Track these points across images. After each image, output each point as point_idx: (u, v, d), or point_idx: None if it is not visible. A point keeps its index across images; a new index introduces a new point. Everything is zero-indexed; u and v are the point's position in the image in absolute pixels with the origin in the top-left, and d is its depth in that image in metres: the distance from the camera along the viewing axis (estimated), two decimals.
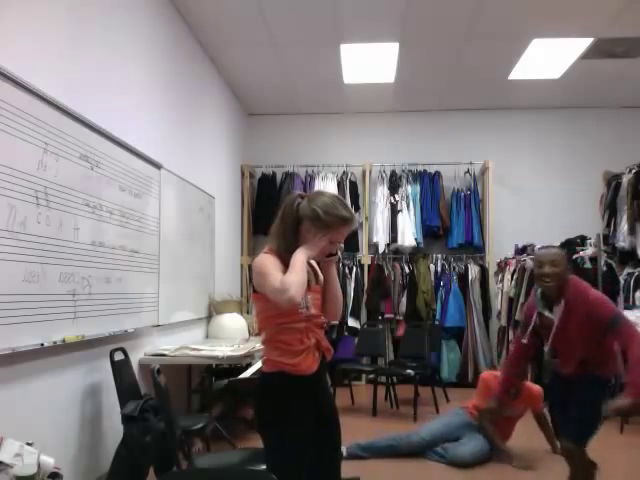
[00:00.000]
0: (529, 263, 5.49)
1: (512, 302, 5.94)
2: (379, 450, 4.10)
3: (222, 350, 4.09)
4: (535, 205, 7.16)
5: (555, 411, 3.08)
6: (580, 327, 2.74)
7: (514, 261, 6.10)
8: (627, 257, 6.11)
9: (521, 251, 6.24)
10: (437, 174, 7.10)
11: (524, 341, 2.99)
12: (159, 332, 4.34)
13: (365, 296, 6.96)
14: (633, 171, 6.08)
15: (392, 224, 6.93)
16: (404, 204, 6.95)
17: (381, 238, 6.95)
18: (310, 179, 7.16)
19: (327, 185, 7.03)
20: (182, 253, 4.77)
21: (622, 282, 5.69)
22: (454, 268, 6.96)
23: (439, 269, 6.97)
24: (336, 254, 2.12)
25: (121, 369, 3.42)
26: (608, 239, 6.22)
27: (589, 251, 5.40)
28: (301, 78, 6.32)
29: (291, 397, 2.02)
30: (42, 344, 2.68)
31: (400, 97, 6.91)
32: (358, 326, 6.75)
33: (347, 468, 2.53)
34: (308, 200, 2.05)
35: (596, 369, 2.82)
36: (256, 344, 4.28)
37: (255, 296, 2.07)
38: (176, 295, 4.59)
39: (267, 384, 2.07)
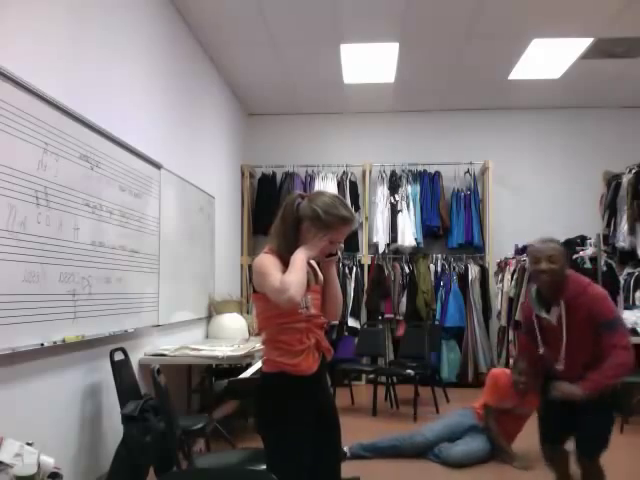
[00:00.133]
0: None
1: (512, 302, 5.93)
2: (382, 450, 4.10)
3: (222, 350, 4.09)
4: (535, 205, 7.16)
5: (549, 419, 2.86)
6: (583, 328, 2.57)
7: (514, 261, 6.10)
8: (627, 257, 6.12)
9: (521, 251, 6.24)
10: (437, 174, 7.10)
11: (524, 339, 2.89)
12: (159, 332, 4.34)
13: (365, 296, 6.96)
14: (633, 171, 6.09)
15: (392, 224, 6.93)
16: (404, 204, 6.95)
17: (381, 238, 6.95)
18: (310, 179, 7.16)
19: (327, 185, 7.03)
20: (182, 253, 4.77)
21: (622, 282, 5.69)
22: (454, 268, 6.96)
23: (439, 269, 6.97)
24: (336, 254, 2.12)
25: (121, 369, 3.42)
26: (608, 239, 6.22)
27: (589, 251, 5.39)
28: (301, 78, 6.32)
29: (291, 397, 2.02)
30: (42, 344, 2.68)
31: (400, 97, 6.92)
32: (358, 326, 6.75)
33: (347, 468, 2.53)
34: (308, 200, 2.05)
35: None
36: (256, 344, 4.28)
37: (255, 296, 2.07)
38: (176, 295, 4.59)
39: (267, 384, 2.07)
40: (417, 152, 7.19)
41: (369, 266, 7.05)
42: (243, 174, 7.08)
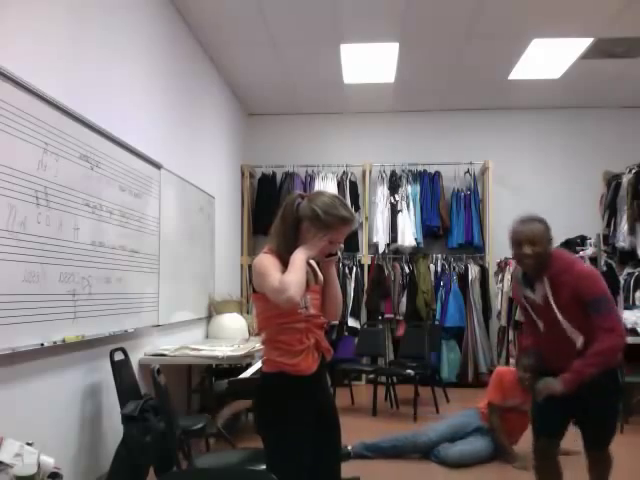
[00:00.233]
0: None
1: (512, 302, 5.93)
2: (384, 450, 4.09)
3: (222, 350, 4.09)
4: (535, 205, 7.07)
5: (545, 407, 2.58)
6: (572, 308, 2.40)
7: (514, 261, 6.10)
8: (627, 257, 6.11)
9: None
10: (437, 174, 7.10)
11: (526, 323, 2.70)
12: (159, 332, 4.34)
13: (365, 296, 6.96)
14: (633, 171, 6.08)
15: (392, 224, 6.93)
16: (404, 204, 6.95)
17: (381, 238, 6.95)
18: (310, 179, 7.16)
19: (327, 185, 7.03)
20: (182, 253, 4.76)
21: (622, 282, 5.69)
22: (454, 268, 6.96)
23: (439, 269, 6.97)
24: (336, 254, 2.12)
25: (121, 369, 3.42)
26: (608, 239, 6.22)
27: (589, 251, 5.40)
28: (301, 78, 6.32)
29: (291, 397, 2.02)
30: (42, 344, 2.68)
31: (400, 97, 6.91)
32: (358, 326, 6.75)
33: (347, 468, 2.53)
34: (308, 200, 2.05)
35: None
36: (256, 344, 4.28)
37: (255, 296, 2.07)
38: (176, 295, 4.59)
39: (267, 384, 2.07)
40: (417, 152, 7.19)
41: (369, 266, 7.05)
42: (243, 174, 7.08)
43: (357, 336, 6.48)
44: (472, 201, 7.00)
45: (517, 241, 2.46)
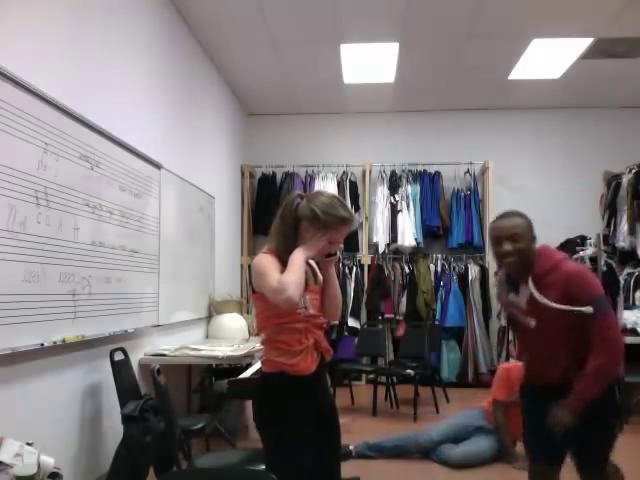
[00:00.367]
0: None
1: None
2: (387, 450, 4.09)
3: (222, 350, 4.09)
4: (535, 205, 7.09)
5: (533, 433, 2.33)
6: (558, 311, 2.11)
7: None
8: (627, 257, 6.12)
9: None
10: (437, 174, 7.10)
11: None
12: (159, 332, 4.34)
13: (365, 296, 6.96)
14: (633, 171, 6.09)
15: (392, 224, 6.93)
16: (404, 204, 6.95)
17: (381, 238, 6.95)
18: (310, 179, 7.16)
19: (327, 185, 7.03)
20: (182, 253, 4.77)
21: (622, 282, 5.69)
22: (454, 268, 6.96)
23: (439, 269, 6.97)
24: (335, 254, 2.12)
25: (121, 369, 3.42)
26: (608, 239, 6.23)
27: (589, 251, 5.40)
28: (301, 78, 6.32)
29: (290, 397, 2.02)
30: (42, 344, 2.68)
31: (400, 97, 6.91)
32: (358, 326, 6.75)
33: (347, 468, 2.53)
34: (307, 200, 2.06)
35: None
36: (256, 344, 4.28)
37: (255, 296, 2.07)
38: (176, 295, 4.59)
39: (267, 384, 2.07)
40: (417, 152, 7.19)
41: (369, 266, 7.05)
42: (243, 174, 7.08)
43: (357, 336, 6.48)
44: (472, 201, 7.00)
45: (497, 238, 2.20)
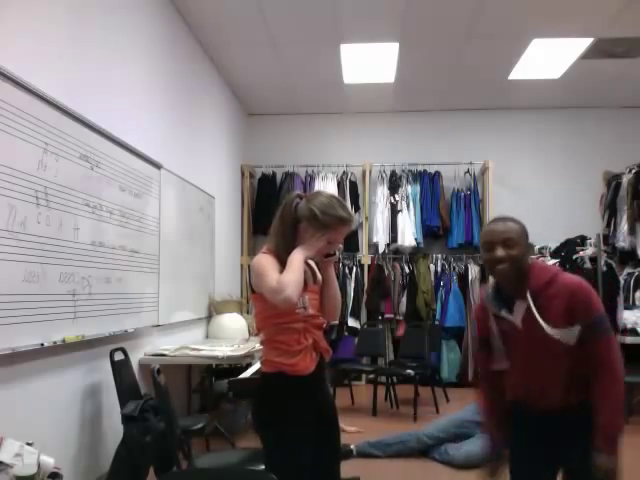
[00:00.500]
0: None
1: None
2: (388, 447, 4.08)
3: (222, 350, 4.09)
4: (535, 205, 7.15)
5: (521, 461, 2.07)
6: (560, 326, 1.89)
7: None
8: (627, 257, 6.12)
9: None
10: (437, 174, 7.10)
11: (484, 361, 2.13)
12: (159, 332, 4.34)
13: (365, 296, 6.96)
14: (633, 171, 6.09)
15: (392, 224, 6.93)
16: (404, 204, 6.95)
17: (381, 238, 6.95)
18: (310, 179, 7.16)
19: (327, 185, 7.03)
20: (182, 253, 4.77)
21: (622, 282, 5.69)
22: (454, 268, 6.96)
23: (439, 269, 6.97)
24: (334, 254, 2.12)
25: (121, 369, 3.42)
26: (608, 239, 6.23)
27: (589, 251, 5.40)
28: (301, 78, 6.32)
29: (290, 397, 2.02)
30: (42, 344, 2.68)
31: (400, 97, 6.91)
32: (358, 326, 6.75)
33: (348, 468, 2.53)
34: (306, 200, 2.06)
35: (585, 393, 1.91)
36: (256, 344, 4.28)
37: (254, 296, 2.07)
38: (176, 295, 4.59)
39: (266, 384, 2.07)
40: (417, 152, 7.19)
41: (369, 266, 7.05)
42: (243, 174, 7.08)
43: (357, 336, 6.48)
44: (472, 201, 7.00)
45: (489, 243, 1.98)
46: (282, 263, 1.97)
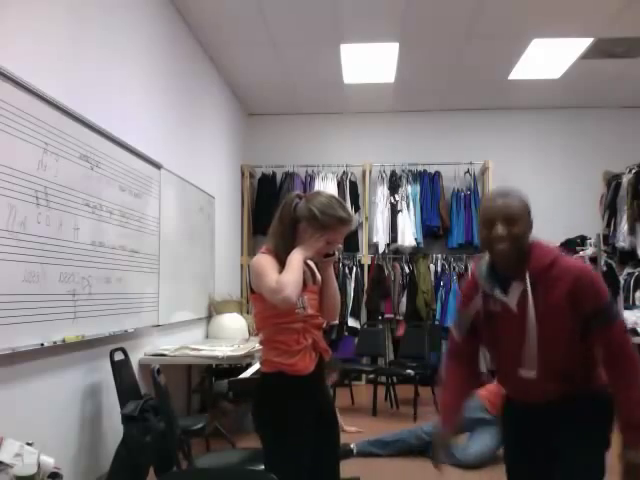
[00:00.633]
0: None
1: None
2: (387, 445, 4.07)
3: (222, 350, 4.09)
4: (535, 205, 6.99)
5: (517, 467, 1.95)
6: (559, 315, 1.74)
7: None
8: (627, 257, 6.12)
9: None
10: (437, 174, 7.09)
11: (458, 339, 2.00)
12: (159, 332, 4.34)
13: (365, 296, 6.96)
14: (633, 171, 6.10)
15: (392, 224, 6.93)
16: (404, 204, 6.95)
17: (381, 238, 6.95)
18: (310, 179, 7.16)
19: (327, 185, 7.03)
20: (182, 253, 4.77)
21: (622, 282, 5.70)
22: (454, 268, 6.96)
23: (439, 269, 6.97)
24: (334, 255, 2.12)
25: (121, 369, 3.42)
26: (608, 239, 6.23)
27: (589, 251, 5.40)
28: (301, 78, 6.32)
29: (290, 397, 2.02)
30: (42, 344, 2.68)
31: (400, 97, 6.91)
32: (358, 326, 6.75)
33: (348, 468, 2.53)
34: (306, 200, 2.06)
35: (589, 383, 1.80)
36: (256, 344, 4.28)
37: (253, 296, 2.07)
38: (176, 295, 4.59)
39: (266, 384, 2.07)
40: (417, 152, 7.19)
41: (369, 266, 7.05)
42: (243, 174, 7.08)
43: (357, 336, 6.48)
44: (472, 201, 6.99)
45: (488, 220, 1.79)
46: (281, 263, 1.97)
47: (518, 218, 1.78)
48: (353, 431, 4.62)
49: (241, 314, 5.66)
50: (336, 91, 6.67)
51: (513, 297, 1.81)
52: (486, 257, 1.91)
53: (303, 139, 7.39)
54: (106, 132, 3.35)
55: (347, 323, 6.78)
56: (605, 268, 5.33)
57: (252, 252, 6.92)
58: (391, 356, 6.78)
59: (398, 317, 6.88)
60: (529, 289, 1.77)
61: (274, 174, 7.32)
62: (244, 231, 7.03)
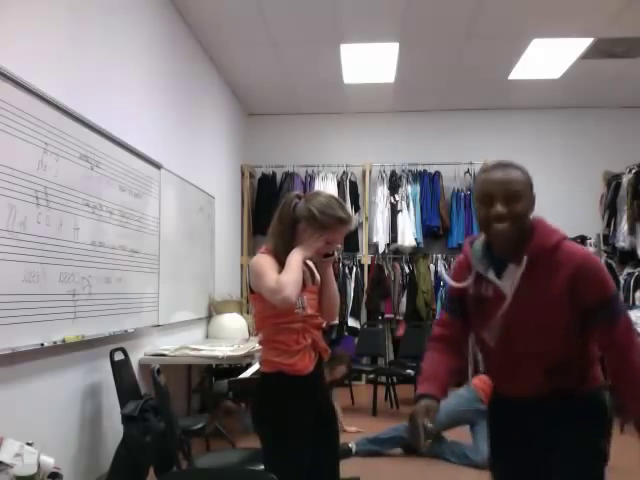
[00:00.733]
0: None
1: None
2: (386, 440, 4.06)
3: (222, 350, 4.09)
4: (535, 205, 7.14)
5: (501, 465, 1.80)
6: (557, 304, 1.56)
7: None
8: (627, 257, 6.12)
9: None
10: (437, 174, 7.09)
11: (446, 321, 1.81)
12: (159, 332, 4.34)
13: (365, 296, 6.96)
14: (633, 171, 6.09)
15: (392, 224, 6.93)
16: (404, 204, 6.95)
17: (381, 238, 6.95)
18: (310, 179, 7.16)
19: (327, 185, 7.03)
20: (182, 253, 4.76)
21: (622, 282, 5.69)
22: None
23: (439, 269, 6.97)
24: (333, 255, 2.12)
25: (121, 369, 3.42)
26: (608, 239, 6.23)
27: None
28: (301, 78, 6.32)
29: (290, 397, 2.02)
30: (42, 344, 2.68)
31: (400, 97, 6.91)
32: (358, 326, 6.75)
33: (347, 468, 2.53)
34: (305, 200, 2.06)
35: (583, 380, 1.65)
36: (256, 344, 4.28)
37: (253, 296, 2.07)
38: (176, 295, 4.59)
39: (266, 384, 2.08)
40: (417, 152, 7.19)
41: (369, 266, 7.05)
42: (243, 174, 7.08)
43: (357, 336, 6.49)
44: (472, 201, 6.99)
45: (486, 195, 1.57)
46: (281, 263, 1.97)
47: (521, 194, 1.57)
48: (353, 431, 4.62)
49: (241, 314, 5.66)
50: (336, 91, 6.67)
51: (507, 281, 1.61)
52: (482, 237, 1.71)
53: (303, 139, 7.39)
54: (106, 132, 3.35)
55: (347, 323, 6.78)
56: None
57: (252, 252, 6.92)
58: (391, 356, 6.78)
59: (398, 317, 6.88)
60: (519, 274, 1.59)
61: (274, 174, 7.32)
62: (244, 231, 7.03)
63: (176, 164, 4.64)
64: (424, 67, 6.04)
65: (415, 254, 7.01)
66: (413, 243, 6.87)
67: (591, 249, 5.43)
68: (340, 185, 7.12)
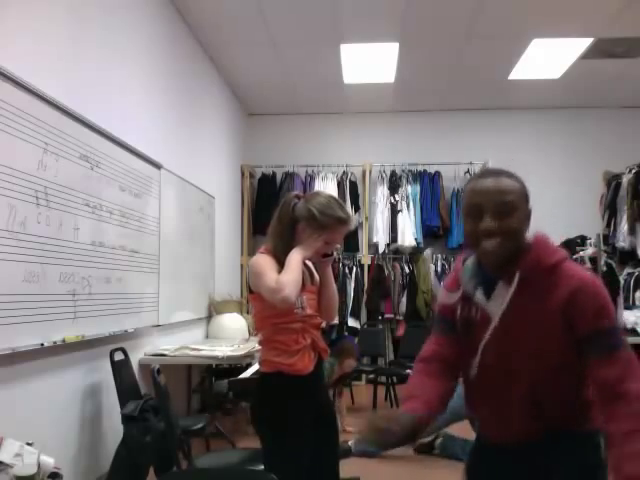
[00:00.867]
0: None
1: None
2: None
3: (222, 350, 4.09)
4: (535, 205, 7.00)
5: None
6: (550, 331, 1.36)
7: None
8: (627, 257, 6.12)
9: None
10: (437, 174, 7.09)
11: (435, 342, 1.56)
12: (159, 332, 4.34)
13: (365, 296, 6.96)
14: (633, 171, 6.09)
15: (392, 224, 6.93)
16: (404, 204, 6.95)
17: (381, 238, 6.95)
18: (310, 179, 7.16)
19: (327, 185, 7.03)
20: (182, 253, 4.76)
21: (622, 282, 5.69)
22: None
23: (439, 269, 6.97)
24: (332, 255, 2.12)
25: (121, 369, 3.42)
26: (608, 239, 6.22)
27: (589, 251, 5.39)
28: (301, 78, 6.32)
29: (290, 397, 2.02)
30: (42, 344, 2.68)
31: (400, 97, 6.91)
32: (358, 326, 6.75)
33: (347, 468, 2.53)
34: (304, 200, 2.06)
35: (577, 421, 1.42)
36: (256, 344, 4.28)
37: (252, 296, 2.07)
38: (176, 295, 4.59)
39: (265, 384, 2.08)
40: (417, 152, 7.19)
41: (369, 266, 7.05)
42: (243, 174, 7.08)
43: (357, 336, 6.48)
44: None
45: (474, 207, 1.38)
46: (280, 263, 1.97)
47: (514, 206, 1.36)
48: (353, 431, 4.62)
49: (241, 314, 5.66)
50: (336, 91, 6.67)
51: (496, 302, 1.41)
52: (470, 258, 1.52)
53: (303, 139, 7.39)
54: (106, 132, 3.35)
55: (347, 323, 6.77)
56: (605, 268, 5.31)
57: (252, 252, 6.92)
58: (391, 356, 6.78)
59: (398, 317, 6.88)
60: (509, 295, 1.39)
61: (274, 174, 7.32)
62: (244, 231, 7.03)
63: (176, 164, 4.64)
64: (424, 67, 6.04)
65: (415, 254, 7.00)
66: (413, 243, 6.87)
67: (591, 249, 5.42)
68: (340, 185, 7.12)
